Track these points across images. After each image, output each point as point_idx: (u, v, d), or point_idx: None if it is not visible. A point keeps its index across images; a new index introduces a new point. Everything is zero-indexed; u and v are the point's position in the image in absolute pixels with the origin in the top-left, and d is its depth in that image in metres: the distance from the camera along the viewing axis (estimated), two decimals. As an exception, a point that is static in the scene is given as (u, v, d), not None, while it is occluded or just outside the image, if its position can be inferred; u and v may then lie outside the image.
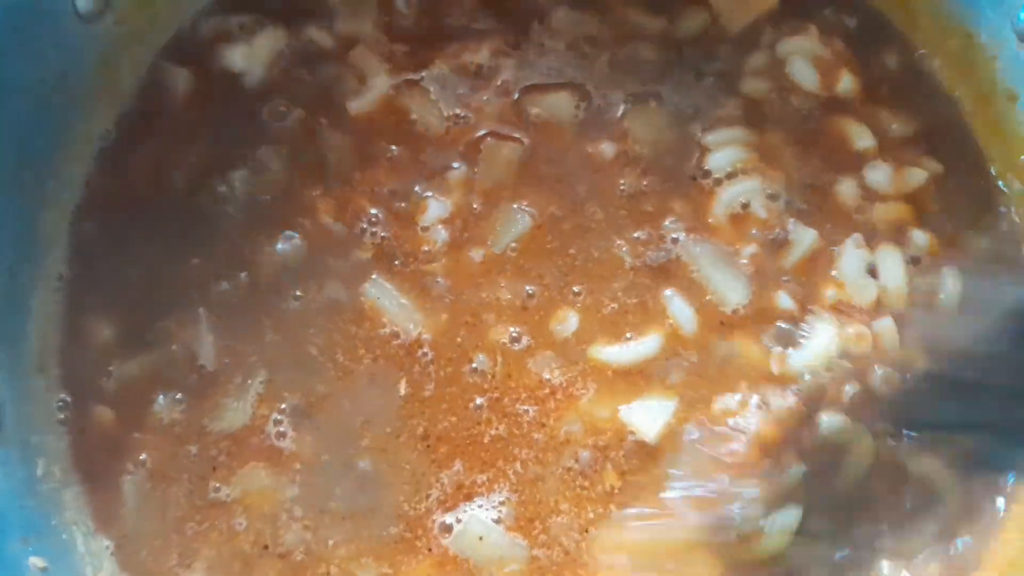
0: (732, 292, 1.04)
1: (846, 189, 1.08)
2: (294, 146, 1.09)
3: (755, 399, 1.01)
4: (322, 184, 1.08)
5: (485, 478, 1.00)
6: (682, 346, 1.03)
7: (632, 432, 1.01)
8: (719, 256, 1.05)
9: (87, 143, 1.08)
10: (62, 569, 0.96)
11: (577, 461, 1.00)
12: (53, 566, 0.94)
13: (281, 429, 1.01)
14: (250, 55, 1.11)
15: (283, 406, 1.02)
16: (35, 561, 0.92)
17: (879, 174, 1.08)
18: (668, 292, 1.04)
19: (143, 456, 1.01)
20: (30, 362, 1.02)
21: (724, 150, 1.08)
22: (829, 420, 1.00)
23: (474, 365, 1.03)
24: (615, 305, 1.04)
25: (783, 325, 1.03)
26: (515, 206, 1.07)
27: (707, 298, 1.04)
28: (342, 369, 1.03)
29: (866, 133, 1.09)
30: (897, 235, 1.06)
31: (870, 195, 1.08)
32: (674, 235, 1.06)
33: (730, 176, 1.08)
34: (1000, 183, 1.10)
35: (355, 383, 1.03)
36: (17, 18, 0.96)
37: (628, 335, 1.03)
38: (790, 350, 1.02)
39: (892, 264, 1.05)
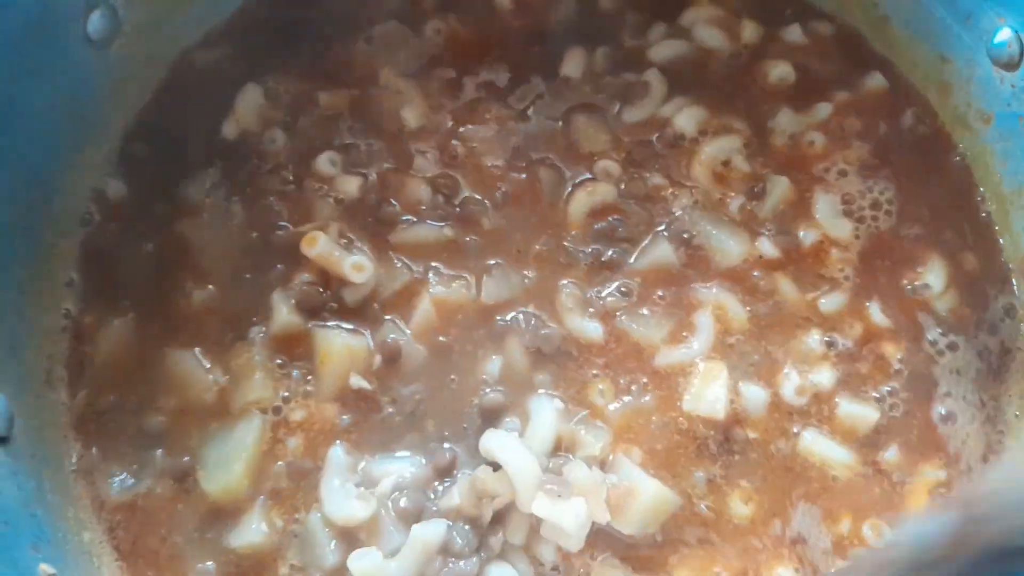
0: (734, 245, 1.10)
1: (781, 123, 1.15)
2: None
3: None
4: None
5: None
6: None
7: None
8: (712, 213, 1.11)
9: (95, 163, 1.11)
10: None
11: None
12: (61, 572, 0.93)
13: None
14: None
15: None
16: (45, 568, 0.91)
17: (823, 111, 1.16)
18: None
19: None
20: (39, 375, 1.03)
21: (683, 113, 1.15)
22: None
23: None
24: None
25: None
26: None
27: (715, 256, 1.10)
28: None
29: (784, 67, 1.17)
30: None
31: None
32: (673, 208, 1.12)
33: (703, 134, 1.14)
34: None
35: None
36: (29, 42, 0.98)
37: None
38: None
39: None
